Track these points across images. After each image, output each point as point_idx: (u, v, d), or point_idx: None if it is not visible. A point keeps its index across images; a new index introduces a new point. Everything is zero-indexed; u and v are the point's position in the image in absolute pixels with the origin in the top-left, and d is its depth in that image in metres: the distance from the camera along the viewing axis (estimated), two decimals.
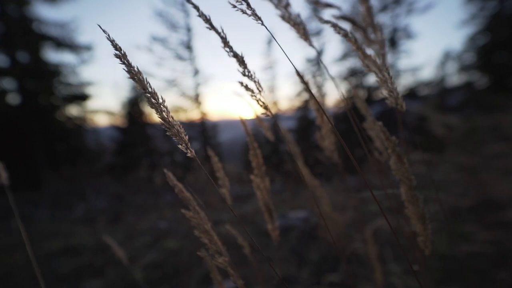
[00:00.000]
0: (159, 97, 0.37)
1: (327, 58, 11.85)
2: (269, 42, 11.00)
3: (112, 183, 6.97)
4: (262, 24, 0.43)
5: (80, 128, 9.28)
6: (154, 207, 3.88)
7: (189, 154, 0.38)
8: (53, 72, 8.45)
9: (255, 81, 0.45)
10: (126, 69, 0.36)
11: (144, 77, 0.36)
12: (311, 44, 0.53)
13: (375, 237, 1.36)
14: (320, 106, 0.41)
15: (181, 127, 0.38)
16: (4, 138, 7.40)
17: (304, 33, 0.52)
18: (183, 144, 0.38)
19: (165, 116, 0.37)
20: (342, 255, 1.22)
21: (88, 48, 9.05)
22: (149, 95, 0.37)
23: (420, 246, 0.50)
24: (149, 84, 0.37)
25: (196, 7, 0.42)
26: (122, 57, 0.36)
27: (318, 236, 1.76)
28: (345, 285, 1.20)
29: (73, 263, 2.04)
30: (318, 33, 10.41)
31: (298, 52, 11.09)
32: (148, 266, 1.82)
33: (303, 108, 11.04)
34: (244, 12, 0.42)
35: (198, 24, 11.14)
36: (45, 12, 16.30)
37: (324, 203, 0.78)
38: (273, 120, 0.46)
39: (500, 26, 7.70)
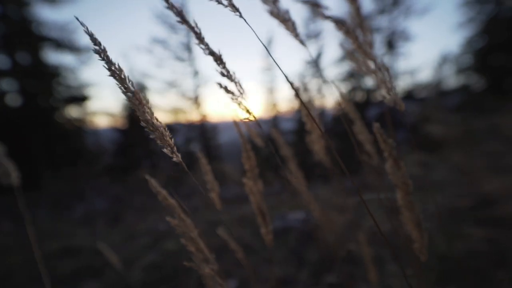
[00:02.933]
0: (142, 97, 0.34)
1: (326, 60, 11.92)
2: (269, 44, 11.04)
3: (112, 184, 6.96)
4: (241, 16, 0.40)
5: (80, 130, 9.26)
6: (154, 208, 3.88)
7: (174, 159, 0.35)
8: (53, 73, 8.45)
9: (235, 82, 0.41)
10: (106, 66, 0.33)
11: (126, 75, 0.33)
12: (301, 41, 0.51)
13: (373, 238, 1.37)
14: (309, 112, 0.42)
15: (166, 129, 0.35)
16: (4, 139, 7.37)
17: (294, 30, 0.48)
18: (168, 148, 0.35)
19: (148, 117, 0.34)
20: (338, 256, 1.23)
21: (88, 49, 9.06)
22: (130, 94, 0.33)
23: (416, 252, 0.48)
24: (132, 83, 0.34)
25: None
26: (101, 52, 0.33)
27: (317, 237, 1.77)
28: (343, 286, 1.21)
29: (72, 264, 2.04)
30: (317, 35, 10.46)
31: (298, 53, 11.11)
32: (147, 267, 1.83)
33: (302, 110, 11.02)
34: (219, 2, 0.39)
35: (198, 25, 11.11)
36: (45, 14, 16.25)
37: (314, 207, 0.79)
38: (259, 123, 0.44)
39: (497, 29, 7.77)
